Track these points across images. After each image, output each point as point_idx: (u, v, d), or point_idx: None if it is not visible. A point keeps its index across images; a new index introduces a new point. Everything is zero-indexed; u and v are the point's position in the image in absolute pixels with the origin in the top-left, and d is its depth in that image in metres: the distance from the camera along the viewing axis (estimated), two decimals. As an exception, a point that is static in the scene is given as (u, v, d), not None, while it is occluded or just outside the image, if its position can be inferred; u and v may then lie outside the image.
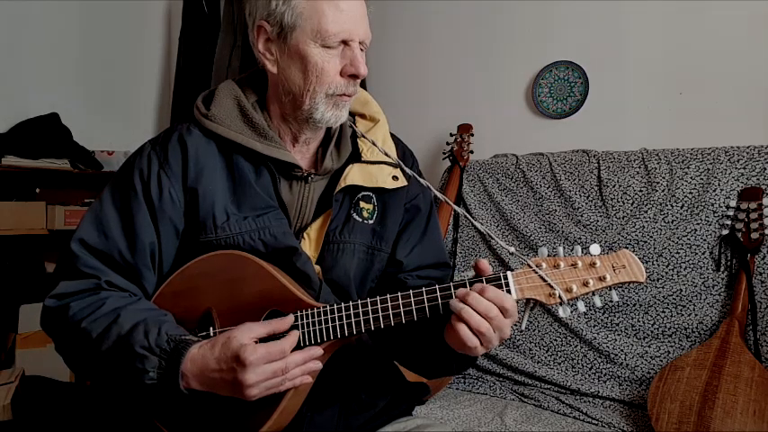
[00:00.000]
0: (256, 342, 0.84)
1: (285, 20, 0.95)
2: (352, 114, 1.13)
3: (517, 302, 0.85)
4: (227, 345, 0.84)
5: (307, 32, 0.94)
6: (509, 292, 0.85)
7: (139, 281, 0.97)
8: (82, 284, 0.94)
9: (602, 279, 0.83)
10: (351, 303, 0.90)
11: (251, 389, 0.83)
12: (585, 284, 0.83)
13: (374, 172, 1.04)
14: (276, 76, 1.01)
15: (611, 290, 0.84)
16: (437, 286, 0.87)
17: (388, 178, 1.05)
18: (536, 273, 0.84)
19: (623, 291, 1.91)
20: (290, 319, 0.89)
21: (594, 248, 0.84)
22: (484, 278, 0.86)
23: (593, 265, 0.83)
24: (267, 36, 0.99)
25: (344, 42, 0.96)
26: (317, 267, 1.00)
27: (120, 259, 0.96)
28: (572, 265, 0.84)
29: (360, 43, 0.97)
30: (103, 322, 0.90)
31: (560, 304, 0.84)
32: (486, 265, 0.87)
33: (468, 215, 0.95)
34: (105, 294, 0.94)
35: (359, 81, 0.99)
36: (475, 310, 0.82)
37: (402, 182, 1.06)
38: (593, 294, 0.84)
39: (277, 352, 0.83)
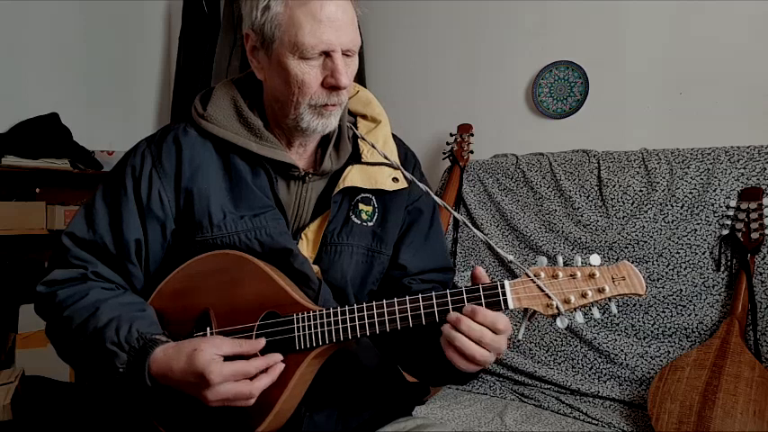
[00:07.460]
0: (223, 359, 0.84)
1: (266, 31, 0.94)
2: (354, 115, 1.12)
3: (512, 311, 0.83)
4: (192, 358, 0.83)
5: (285, 45, 0.92)
6: (506, 301, 0.83)
7: (126, 275, 0.99)
8: (70, 273, 0.97)
9: (600, 291, 0.81)
10: (347, 308, 0.88)
11: (212, 404, 0.83)
12: (584, 296, 0.81)
13: (374, 173, 1.03)
14: (265, 82, 1.01)
15: (609, 301, 0.82)
16: (433, 293, 0.85)
17: (387, 180, 1.04)
18: (534, 282, 0.82)
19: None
20: (261, 342, 0.87)
21: (594, 259, 0.82)
22: (481, 286, 0.84)
23: (592, 275, 0.81)
24: (253, 44, 0.98)
25: (325, 53, 0.93)
26: (316, 267, 1.00)
27: (106, 253, 0.98)
28: (571, 275, 0.82)
29: (346, 50, 0.94)
30: (83, 314, 0.91)
31: (558, 315, 0.82)
32: (483, 273, 0.86)
33: (467, 224, 0.94)
34: (90, 285, 0.96)
35: (343, 91, 0.96)
36: (468, 337, 0.81)
37: (402, 184, 1.05)
38: (592, 306, 0.82)
39: (241, 374, 0.83)
